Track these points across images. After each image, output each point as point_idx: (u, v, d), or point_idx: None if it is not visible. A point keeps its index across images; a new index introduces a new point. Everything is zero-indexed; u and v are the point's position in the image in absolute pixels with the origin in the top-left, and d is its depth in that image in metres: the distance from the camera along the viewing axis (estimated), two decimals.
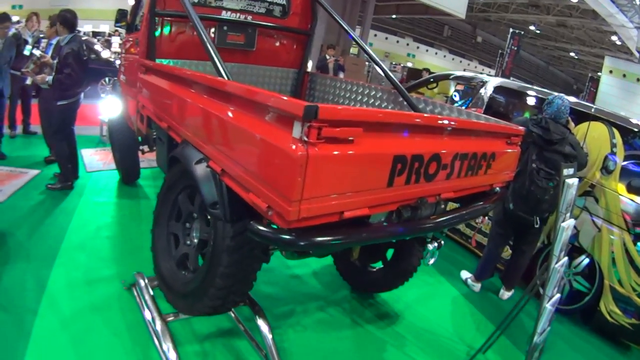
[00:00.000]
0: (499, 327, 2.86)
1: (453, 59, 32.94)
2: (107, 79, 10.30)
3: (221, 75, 2.38)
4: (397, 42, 31.60)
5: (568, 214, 2.64)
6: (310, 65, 10.01)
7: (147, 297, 2.65)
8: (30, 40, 6.11)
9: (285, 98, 1.57)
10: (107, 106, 5.43)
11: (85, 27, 18.53)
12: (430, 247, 2.54)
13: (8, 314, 2.69)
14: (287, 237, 1.58)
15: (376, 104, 3.78)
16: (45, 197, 4.54)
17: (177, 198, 2.57)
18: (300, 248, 1.68)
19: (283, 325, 3.01)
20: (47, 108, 4.80)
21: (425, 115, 2.16)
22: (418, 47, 32.12)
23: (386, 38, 30.79)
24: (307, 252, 2.09)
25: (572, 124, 3.82)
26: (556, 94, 3.72)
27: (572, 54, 32.51)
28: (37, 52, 4.75)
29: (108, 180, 5.26)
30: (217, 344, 2.70)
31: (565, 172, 2.55)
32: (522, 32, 23.36)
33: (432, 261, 2.60)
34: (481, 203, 2.51)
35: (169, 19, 3.75)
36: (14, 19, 10.80)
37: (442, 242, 2.59)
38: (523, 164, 3.39)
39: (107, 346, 2.52)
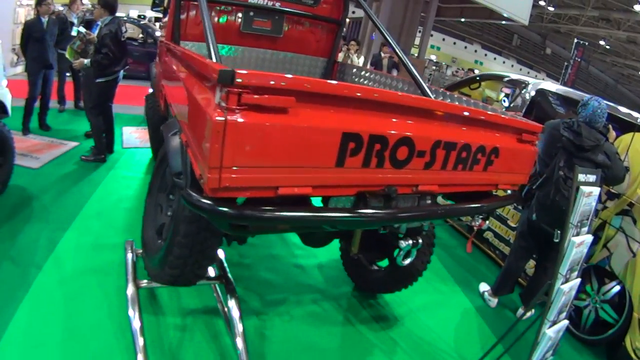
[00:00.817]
0: (496, 345, 2.66)
1: (520, 69, 31.66)
2: None
3: (210, 56, 2.33)
4: (465, 47, 30.94)
5: (585, 228, 2.40)
6: (361, 61, 10.00)
7: (129, 262, 2.70)
8: (76, 21, 6.55)
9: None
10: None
11: (131, 12, 19.43)
12: (403, 244, 2.35)
13: (16, 265, 2.96)
14: (207, 204, 1.53)
15: None
16: (77, 168, 4.83)
17: (164, 171, 2.64)
18: (224, 218, 1.59)
19: (270, 312, 2.98)
20: (88, 84, 5.08)
21: (388, 93, 1.88)
22: (486, 55, 31.23)
23: (454, 43, 30.25)
24: (245, 229, 1.82)
25: (612, 133, 3.43)
26: (592, 96, 3.40)
27: None
28: (83, 30, 5.06)
29: (141, 157, 5.51)
30: (199, 320, 2.74)
31: (582, 177, 2.31)
32: (587, 44, 22.19)
33: (406, 261, 2.46)
34: (470, 202, 2.33)
35: (194, 2, 3.84)
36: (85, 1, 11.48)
37: (420, 240, 2.42)
38: (550, 170, 3.16)
39: (95, 307, 2.66)
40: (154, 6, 4.79)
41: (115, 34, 4.74)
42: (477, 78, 5.75)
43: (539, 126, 2.44)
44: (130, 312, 2.28)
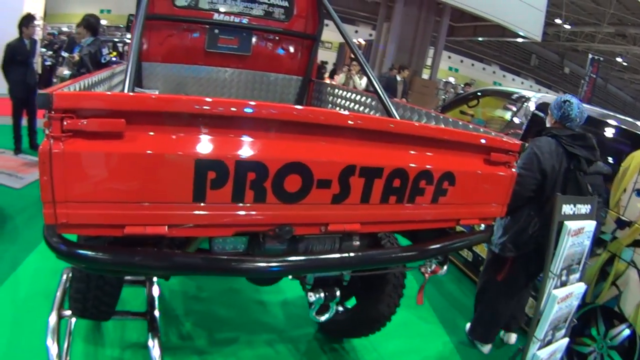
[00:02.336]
0: None
1: (539, 90, 31.34)
2: None
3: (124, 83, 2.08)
4: (484, 69, 30.76)
5: (575, 275, 1.98)
6: (364, 82, 9.82)
7: (59, 291, 2.48)
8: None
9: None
10: None
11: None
12: (311, 297, 1.98)
13: None
14: (50, 240, 1.38)
15: (375, 114, 3.39)
16: None
17: None
18: (59, 255, 1.41)
19: (215, 353, 2.74)
20: None
21: (259, 103, 1.45)
22: (504, 76, 31.02)
23: (472, 64, 30.08)
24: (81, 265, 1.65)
25: None
26: (564, 94, 2.95)
27: None
28: (66, 54, 5.15)
29: None
30: (127, 356, 2.60)
31: (567, 208, 1.91)
32: (603, 60, 21.67)
33: (322, 318, 2.12)
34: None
35: (156, 21, 3.78)
36: (103, 22, 11.74)
37: (337, 294, 2.03)
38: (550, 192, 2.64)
39: (39, 332, 2.42)
40: (127, 29, 4.82)
41: (94, 55, 4.76)
42: (478, 94, 5.45)
43: (515, 144, 2.01)
44: (49, 341, 2.12)
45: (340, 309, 2.70)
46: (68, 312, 2.36)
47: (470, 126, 2.40)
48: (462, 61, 29.01)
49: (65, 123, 1.21)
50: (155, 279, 2.36)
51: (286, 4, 4.14)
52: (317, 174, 1.51)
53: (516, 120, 4.23)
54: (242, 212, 1.46)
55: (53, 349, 2.10)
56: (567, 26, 24.83)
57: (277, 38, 4.23)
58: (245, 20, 4.04)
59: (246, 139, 1.43)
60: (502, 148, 1.96)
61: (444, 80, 24.83)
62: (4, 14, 9.35)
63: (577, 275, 2.06)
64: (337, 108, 3.97)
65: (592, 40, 25.51)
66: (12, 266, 3.23)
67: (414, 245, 2.01)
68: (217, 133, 1.40)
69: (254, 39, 4.11)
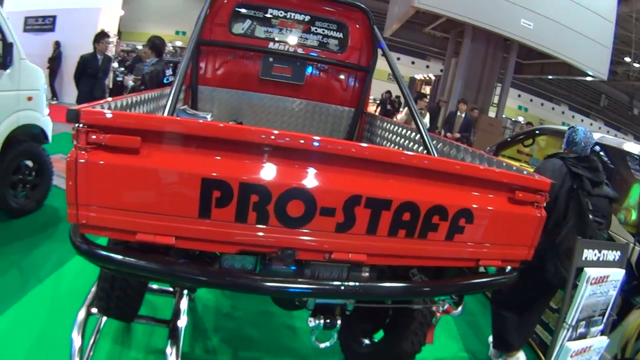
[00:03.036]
0: None
1: (608, 132, 29.80)
2: None
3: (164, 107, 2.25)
4: (553, 109, 29.92)
5: (597, 328, 1.84)
6: (427, 119, 9.86)
7: (92, 289, 2.58)
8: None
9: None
10: None
11: None
12: (311, 322, 1.95)
13: (20, 275, 3.31)
14: (73, 238, 1.56)
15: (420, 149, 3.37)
16: None
17: None
18: (80, 253, 1.59)
19: None
20: None
21: (263, 130, 1.53)
22: (573, 117, 29.87)
23: (542, 104, 29.40)
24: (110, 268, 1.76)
25: None
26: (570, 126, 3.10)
27: None
28: (131, 78, 5.53)
29: None
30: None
31: (588, 253, 1.82)
32: None
33: (322, 345, 2.09)
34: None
35: (213, 47, 3.98)
36: (177, 43, 12.56)
37: (337, 321, 1.99)
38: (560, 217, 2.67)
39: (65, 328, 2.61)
40: None
41: (157, 74, 5.02)
42: (536, 132, 5.29)
43: (544, 182, 1.94)
44: (74, 334, 2.27)
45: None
46: (95, 310, 2.50)
47: (504, 164, 2.35)
48: (531, 100, 28.48)
49: (89, 136, 1.41)
50: (185, 291, 2.44)
51: (341, 35, 4.22)
52: (320, 202, 1.57)
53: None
54: (245, 232, 1.55)
55: (76, 342, 2.25)
56: (636, 65, 23.61)
57: (330, 69, 4.30)
58: (300, 50, 4.15)
59: (250, 163, 1.54)
60: (529, 187, 1.91)
61: (513, 119, 24.12)
62: (80, 30, 10.43)
63: (599, 328, 1.92)
64: (387, 142, 3.98)
65: None
66: (57, 264, 3.47)
67: (423, 282, 1.99)
68: (223, 155, 1.52)
69: (307, 69, 4.21)
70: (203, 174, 1.48)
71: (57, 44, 10.93)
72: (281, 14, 4.08)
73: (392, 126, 3.98)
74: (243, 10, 4.02)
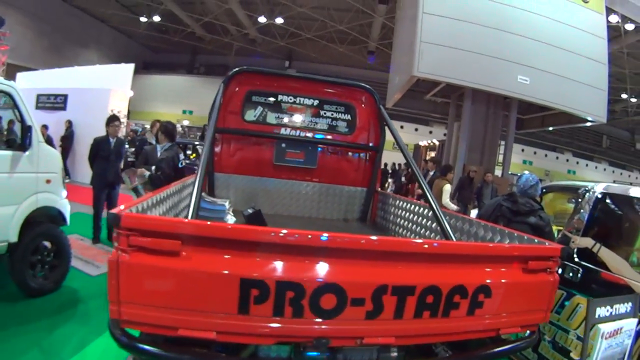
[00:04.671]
0: None
1: (613, 172, 30.28)
2: None
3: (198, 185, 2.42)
4: (557, 158, 30.27)
5: None
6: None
7: None
8: (154, 142, 7.35)
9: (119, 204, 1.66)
10: None
11: None
12: None
13: (42, 355, 3.37)
14: (114, 332, 1.66)
15: (433, 224, 3.46)
16: None
17: None
18: (124, 347, 1.69)
19: None
20: None
21: (294, 232, 1.69)
22: (577, 163, 30.29)
23: (545, 155, 29.76)
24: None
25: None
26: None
27: None
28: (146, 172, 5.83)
29: None
30: None
31: (600, 311, 1.97)
32: None
33: None
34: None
35: (229, 135, 4.17)
36: (185, 123, 13.10)
37: None
38: None
39: None
40: (202, 138, 5.38)
41: (172, 159, 5.18)
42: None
43: (554, 248, 2.12)
44: None
45: None
46: None
47: (515, 234, 2.50)
48: (535, 153, 28.87)
49: (130, 239, 1.55)
50: None
51: (349, 117, 4.42)
52: (350, 293, 1.72)
53: (581, 212, 4.22)
54: (282, 325, 1.68)
55: None
56: (633, 99, 24.24)
57: (341, 150, 4.47)
58: (310, 134, 4.34)
59: (286, 262, 1.69)
60: (540, 255, 2.07)
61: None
62: (91, 109, 10.96)
63: None
64: (401, 219, 4.04)
65: None
66: (79, 346, 3.53)
67: (452, 356, 2.11)
68: (261, 256, 1.68)
69: (319, 153, 4.37)
70: (242, 275, 1.62)
71: (70, 123, 11.37)
72: (290, 99, 4.30)
73: (405, 204, 4.08)
74: (254, 98, 4.23)
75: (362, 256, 1.79)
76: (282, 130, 4.33)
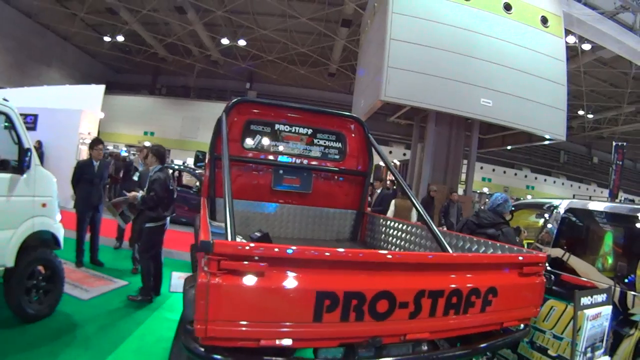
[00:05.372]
0: None
1: (571, 186, 31.91)
2: None
3: (226, 212, 2.53)
4: (515, 174, 31.44)
5: (599, 352, 2.48)
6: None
7: None
8: (141, 168, 7.43)
9: (203, 232, 1.94)
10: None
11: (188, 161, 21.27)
12: None
13: None
14: (197, 349, 1.85)
15: (425, 243, 3.87)
16: (123, 305, 5.26)
17: None
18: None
19: None
20: (138, 229, 5.75)
21: (357, 251, 2.08)
22: (536, 178, 31.61)
23: (504, 172, 30.91)
24: None
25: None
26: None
27: None
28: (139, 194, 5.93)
29: None
30: None
31: (584, 300, 2.46)
32: (626, 144, 22.46)
33: None
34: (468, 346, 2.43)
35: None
36: (146, 144, 13.10)
37: None
38: None
39: None
40: (196, 162, 5.58)
41: (164, 181, 5.36)
42: (512, 209, 5.98)
43: (542, 257, 2.61)
44: None
45: None
46: None
47: (506, 247, 2.99)
48: (494, 170, 29.92)
49: (221, 264, 1.78)
50: None
51: (340, 145, 4.78)
52: (399, 298, 2.08)
53: (549, 226, 4.73)
54: (346, 329, 2.00)
55: None
56: (590, 115, 25.86)
57: (333, 176, 4.81)
58: (305, 161, 4.65)
59: (352, 276, 2.02)
60: (532, 262, 2.54)
61: (479, 191, 25.34)
62: (61, 130, 10.86)
63: (601, 351, 2.58)
64: (390, 238, 4.42)
65: (615, 124, 26.69)
66: None
67: (470, 345, 2.47)
68: (332, 272, 1.99)
69: (313, 178, 4.68)
70: (317, 288, 1.92)
71: (39, 143, 11.17)
72: (287, 128, 4.61)
73: (391, 222, 4.51)
74: (252, 127, 4.50)
75: (408, 268, 2.18)
76: (280, 158, 4.59)
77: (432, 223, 3.46)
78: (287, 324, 1.90)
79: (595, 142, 32.01)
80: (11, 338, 3.97)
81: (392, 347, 2.18)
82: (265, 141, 4.59)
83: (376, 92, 10.74)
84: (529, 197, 26.05)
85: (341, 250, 2.08)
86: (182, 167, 14.42)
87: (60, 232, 4.70)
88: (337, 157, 4.79)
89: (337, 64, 25.55)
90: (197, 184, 11.59)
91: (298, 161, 4.64)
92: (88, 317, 4.66)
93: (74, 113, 11.28)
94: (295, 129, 4.66)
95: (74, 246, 6.38)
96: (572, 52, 16.67)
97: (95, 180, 6.51)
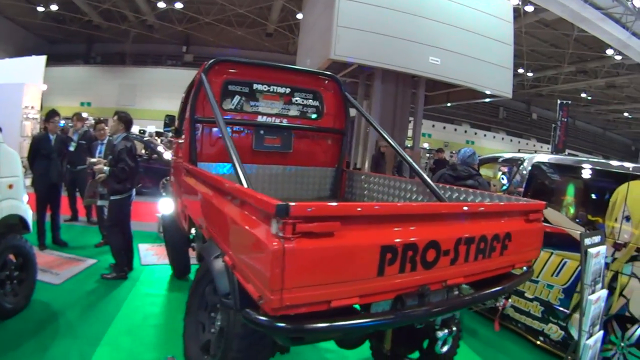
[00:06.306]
0: None
1: (511, 140, 33.25)
2: (167, 178, 11.23)
3: (239, 178, 2.62)
4: (455, 130, 32.15)
5: (599, 285, 2.74)
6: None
7: None
8: (75, 137, 7.05)
9: (262, 198, 1.82)
10: (164, 204, 5.95)
11: (148, 128, 20.64)
12: (439, 334, 2.52)
13: None
14: (276, 323, 1.77)
15: (407, 196, 3.91)
16: (99, 285, 5.00)
17: (204, 290, 2.88)
18: (287, 333, 1.83)
19: None
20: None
21: (413, 205, 2.26)
22: (476, 133, 32.54)
23: (444, 127, 31.46)
24: (301, 339, 2.01)
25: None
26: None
27: (625, 114, 32.72)
28: (92, 160, 5.52)
29: (161, 274, 5.63)
30: None
31: (588, 241, 2.67)
32: (571, 102, 23.70)
33: (444, 349, 2.61)
34: (492, 286, 2.55)
35: (208, 125, 4.18)
36: (83, 115, 12.37)
37: (455, 328, 2.58)
38: None
39: None
40: (165, 126, 5.27)
41: (130, 149, 5.09)
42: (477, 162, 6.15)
43: (541, 204, 2.78)
44: None
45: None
46: None
47: (511, 197, 3.20)
48: (433, 125, 30.29)
49: (296, 227, 1.67)
50: None
51: (317, 103, 4.70)
52: (443, 247, 2.15)
53: (517, 178, 4.92)
54: (403, 280, 2.02)
55: None
56: (530, 74, 26.83)
57: (311, 135, 4.74)
58: (285, 121, 4.54)
59: (408, 228, 2.07)
60: (535, 209, 2.71)
61: (420, 147, 25.97)
62: (4, 108, 9.87)
63: (600, 285, 2.86)
64: (370, 192, 4.45)
65: (555, 83, 27.75)
66: None
67: (495, 286, 2.58)
68: (393, 225, 2.01)
69: (293, 138, 4.58)
70: (381, 243, 1.90)
71: None
72: (265, 88, 4.44)
73: (370, 177, 4.56)
74: (230, 87, 4.30)
75: (450, 217, 2.30)
76: (259, 118, 4.45)
77: (425, 175, 3.58)
78: (355, 281, 1.86)
79: (534, 99, 33.16)
80: None
81: (434, 294, 2.24)
82: (244, 101, 4.42)
83: (324, 51, 10.63)
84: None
85: (399, 204, 2.29)
86: (137, 136, 13.77)
87: (29, 214, 4.30)
88: (314, 115, 4.72)
89: (275, 24, 24.83)
90: (144, 151, 11.36)
91: (277, 121, 4.54)
92: (66, 302, 4.39)
93: (16, 87, 10.39)
94: (273, 88, 4.51)
95: (34, 228, 5.87)
96: (515, 13, 17.00)
97: (52, 155, 6.04)
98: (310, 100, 4.67)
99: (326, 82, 4.74)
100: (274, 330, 1.82)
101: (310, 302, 1.76)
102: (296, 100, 4.60)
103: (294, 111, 4.61)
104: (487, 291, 2.53)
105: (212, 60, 4.10)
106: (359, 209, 1.97)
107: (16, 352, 3.40)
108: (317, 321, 1.83)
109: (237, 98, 4.34)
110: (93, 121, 16.41)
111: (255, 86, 4.41)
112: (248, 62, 4.55)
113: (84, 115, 9.76)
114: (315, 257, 1.73)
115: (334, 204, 1.87)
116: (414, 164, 3.80)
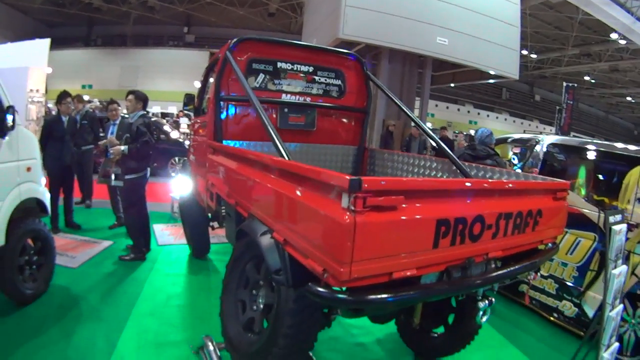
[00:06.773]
0: None
1: (514, 121, 33.16)
2: (176, 158, 11.19)
3: (282, 155, 2.71)
4: (458, 110, 32.10)
5: (619, 261, 2.81)
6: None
7: (214, 358, 2.87)
8: (78, 118, 6.64)
9: (332, 173, 1.84)
10: (177, 184, 5.86)
11: (153, 109, 20.61)
12: (481, 304, 2.58)
13: None
14: (342, 295, 1.80)
15: (432, 174, 3.90)
16: (117, 267, 4.95)
17: (244, 267, 2.87)
18: (355, 305, 1.88)
19: None
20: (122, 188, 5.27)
21: (464, 180, 2.36)
22: (479, 114, 32.43)
23: (447, 107, 31.44)
24: (362, 311, 2.13)
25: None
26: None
27: (628, 98, 32.94)
28: (102, 142, 5.41)
29: (179, 254, 5.60)
30: None
31: (612, 219, 2.72)
32: (576, 85, 23.65)
33: (484, 319, 2.65)
34: (529, 259, 2.60)
35: (233, 103, 4.15)
36: (85, 98, 12.26)
37: (494, 299, 2.63)
38: None
39: None
40: (184, 105, 5.22)
41: (148, 126, 5.03)
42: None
43: (566, 183, 2.85)
44: None
45: (435, 335, 3.41)
46: None
47: (540, 177, 3.20)
48: (436, 105, 30.18)
49: (367, 201, 1.70)
50: None
51: (339, 82, 4.67)
52: (487, 221, 2.21)
53: (532, 160, 4.92)
54: (453, 252, 2.07)
55: None
56: (533, 55, 26.67)
57: (335, 113, 4.74)
58: (308, 99, 4.52)
59: (459, 203, 2.16)
60: (561, 188, 2.76)
61: (476, 130, 25.74)
62: (10, 93, 9.79)
63: (621, 261, 2.92)
64: (388, 169, 4.47)
65: (558, 65, 27.70)
66: (110, 345, 3.30)
67: (529, 259, 2.63)
68: (447, 201, 2.07)
69: (316, 116, 4.57)
70: (437, 217, 1.94)
71: None
72: (289, 66, 4.41)
73: (391, 155, 4.55)
74: (255, 65, 4.26)
75: (494, 193, 2.39)
76: (283, 96, 4.43)
77: (452, 154, 3.63)
78: (414, 253, 1.92)
79: (538, 80, 33.09)
80: (14, 325, 3.48)
81: (475, 266, 2.27)
82: (268, 80, 4.39)
83: (333, 30, 10.60)
84: (471, 131, 26.83)
85: (455, 179, 2.29)
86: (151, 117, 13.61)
87: (47, 197, 4.23)
88: (337, 94, 4.71)
89: (277, 3, 24.54)
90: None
91: (301, 99, 4.52)
92: (86, 286, 4.34)
93: (20, 71, 10.09)
94: (296, 67, 4.47)
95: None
96: None
97: (65, 137, 5.97)
98: (333, 79, 4.65)
99: (349, 61, 4.70)
100: (339, 302, 1.85)
101: (374, 274, 1.80)
102: (319, 79, 4.58)
103: (316, 90, 4.59)
104: (524, 263, 2.57)
105: (236, 39, 4.07)
106: (420, 183, 2.09)
107: (39, 339, 3.31)
108: (381, 292, 1.86)
109: (261, 76, 4.31)
110: (98, 103, 16.33)
111: (279, 64, 4.38)
112: (272, 40, 4.47)
113: (86, 97, 9.72)
114: (382, 230, 1.77)
115: (400, 178, 1.94)
116: (441, 143, 3.82)
